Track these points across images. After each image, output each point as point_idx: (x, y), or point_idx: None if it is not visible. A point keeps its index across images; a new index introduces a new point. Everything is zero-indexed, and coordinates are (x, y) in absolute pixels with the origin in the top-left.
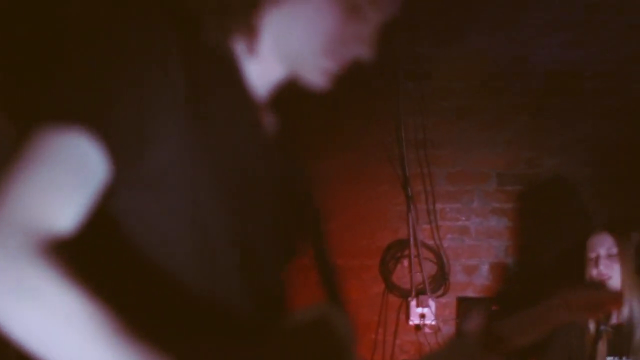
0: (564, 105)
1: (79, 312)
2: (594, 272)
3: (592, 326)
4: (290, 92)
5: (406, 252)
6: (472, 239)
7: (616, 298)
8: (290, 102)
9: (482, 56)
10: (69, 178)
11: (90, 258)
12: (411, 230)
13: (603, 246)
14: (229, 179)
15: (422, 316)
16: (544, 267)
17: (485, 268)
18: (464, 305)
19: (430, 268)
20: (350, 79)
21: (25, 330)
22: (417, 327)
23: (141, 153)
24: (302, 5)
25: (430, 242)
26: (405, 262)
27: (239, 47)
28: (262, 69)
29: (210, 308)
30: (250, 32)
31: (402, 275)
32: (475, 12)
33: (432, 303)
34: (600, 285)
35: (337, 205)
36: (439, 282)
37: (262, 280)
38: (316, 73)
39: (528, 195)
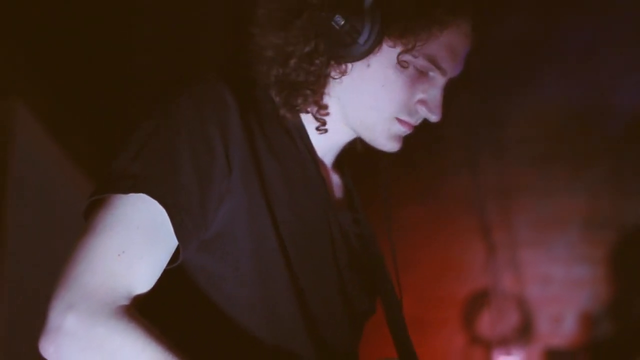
0: None
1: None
2: None
3: None
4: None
5: (488, 303)
6: (556, 287)
7: None
8: (364, 155)
9: (557, 100)
10: (142, 242)
11: (164, 316)
12: (493, 280)
13: None
14: (292, 241)
15: None
16: (634, 317)
17: (571, 318)
18: (552, 357)
19: (513, 319)
20: (424, 129)
21: None
22: None
23: (204, 213)
24: (368, 76)
25: (513, 292)
26: (488, 313)
27: (305, 117)
28: (328, 132)
29: (273, 356)
30: (317, 106)
31: (484, 326)
32: (547, 55)
33: (517, 355)
34: None
35: (416, 256)
36: (524, 333)
37: (329, 341)
38: (387, 137)
39: (614, 241)
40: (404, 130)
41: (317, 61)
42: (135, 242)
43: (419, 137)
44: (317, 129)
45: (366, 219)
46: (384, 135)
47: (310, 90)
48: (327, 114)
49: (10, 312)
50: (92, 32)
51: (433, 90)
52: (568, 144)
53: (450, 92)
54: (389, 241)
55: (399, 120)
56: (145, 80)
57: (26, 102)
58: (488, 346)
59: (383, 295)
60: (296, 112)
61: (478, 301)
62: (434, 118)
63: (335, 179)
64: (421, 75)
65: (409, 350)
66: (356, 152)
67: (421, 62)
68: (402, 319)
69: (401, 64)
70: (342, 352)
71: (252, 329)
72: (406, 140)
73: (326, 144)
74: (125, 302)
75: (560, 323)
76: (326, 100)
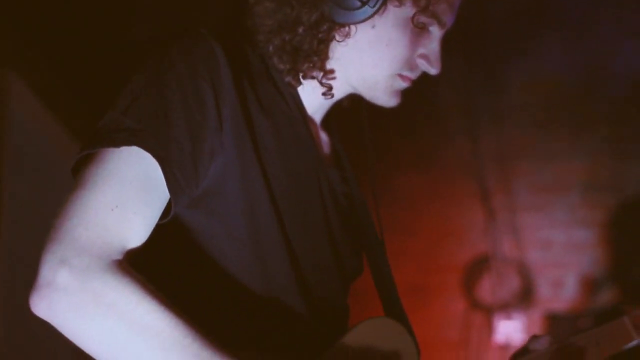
0: None
1: (156, 322)
2: None
3: None
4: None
5: (488, 268)
6: (556, 252)
7: None
8: (363, 119)
9: (557, 66)
10: (135, 195)
11: (157, 273)
12: (493, 245)
13: None
14: (284, 197)
15: (507, 333)
16: (634, 280)
17: (572, 282)
18: (553, 321)
19: (514, 283)
20: (424, 95)
21: (106, 346)
22: (503, 345)
23: (196, 167)
24: (372, 36)
25: (513, 257)
26: (488, 278)
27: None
28: (318, 90)
29: (269, 320)
30: (322, 71)
31: (485, 292)
32: (547, 20)
33: (517, 319)
34: None
35: (416, 223)
36: (524, 298)
37: (320, 296)
38: (389, 94)
39: (614, 205)
40: (404, 85)
41: (324, 27)
42: (128, 196)
43: (418, 105)
44: (324, 94)
45: (354, 178)
46: (386, 92)
47: (317, 56)
48: (334, 78)
49: (5, 281)
50: (88, 1)
51: (432, 44)
52: (568, 109)
53: (451, 59)
54: (373, 198)
55: (400, 76)
56: (144, 50)
57: (20, 73)
58: (488, 311)
59: (371, 255)
60: (300, 78)
61: (478, 267)
62: (433, 71)
63: (324, 137)
64: (422, 30)
65: (398, 309)
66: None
67: (424, 18)
68: (391, 278)
69: (416, 25)
70: (333, 308)
71: (244, 285)
72: (405, 107)
73: (316, 103)
74: (119, 256)
75: (561, 287)
76: (328, 63)
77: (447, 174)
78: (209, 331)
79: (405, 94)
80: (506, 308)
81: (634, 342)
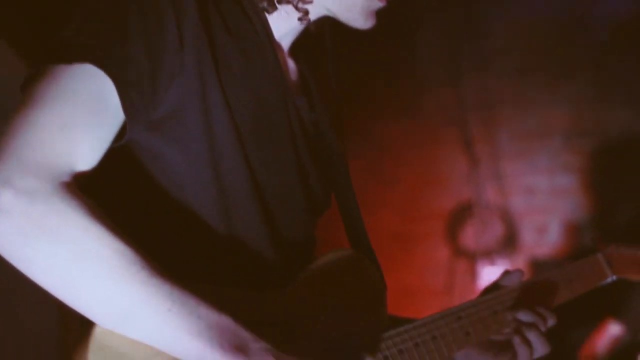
0: (629, 58)
1: (104, 248)
2: None
3: None
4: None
5: (472, 215)
6: (540, 198)
7: None
8: (342, 62)
9: (539, 12)
10: (87, 116)
11: (109, 199)
12: (476, 192)
13: None
14: (248, 123)
15: (491, 280)
16: (619, 225)
17: (555, 228)
18: (537, 267)
19: (497, 230)
20: (407, 42)
21: (51, 273)
22: None
23: (154, 89)
24: None
25: (497, 203)
26: (471, 225)
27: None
28: (288, 15)
29: (230, 253)
30: None
31: (468, 238)
32: None
33: (501, 265)
34: None
35: (399, 172)
36: (508, 244)
37: (285, 228)
38: (365, 15)
39: (597, 150)
40: (380, 5)
41: None
42: (79, 117)
43: (400, 52)
44: (300, 19)
45: (323, 108)
46: (363, 13)
47: None
48: (311, 2)
49: None
50: None
51: None
52: (550, 55)
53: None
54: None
55: None
56: None
57: None
58: (472, 258)
59: (338, 186)
60: (276, 2)
61: (462, 214)
62: None
63: (292, 64)
64: None
65: (364, 244)
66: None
67: None
68: (358, 212)
69: None
70: (298, 240)
71: (203, 214)
72: (387, 55)
73: (284, 27)
74: (67, 179)
75: (544, 233)
76: None
77: (429, 122)
78: (165, 263)
79: (387, 42)
80: (490, 254)
81: (608, 280)
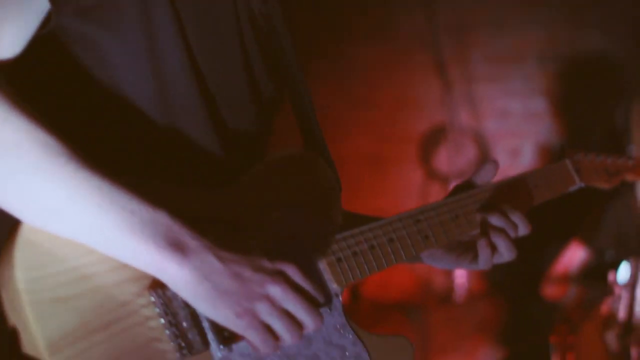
0: None
1: (25, 140)
2: None
3: None
4: None
5: (445, 138)
6: (513, 121)
7: (635, 166)
8: None
9: None
10: (8, 1)
11: (40, 88)
12: (450, 115)
13: None
14: (188, 10)
15: None
16: (592, 148)
17: (528, 151)
18: None
19: (470, 153)
20: None
21: None
22: None
23: None
24: None
25: (470, 126)
26: (445, 148)
27: None
28: None
29: (173, 148)
30: None
31: (441, 161)
32: None
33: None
34: (621, 152)
35: (373, 95)
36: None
37: (230, 121)
38: None
39: (570, 73)
40: None
41: None
42: None
43: None
44: None
45: (276, 2)
46: None
47: None
48: None
49: None
50: None
51: None
52: None
53: None
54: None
55: None
56: None
57: None
58: (445, 181)
59: (291, 83)
60: None
61: (435, 137)
62: None
63: None
64: None
65: (319, 143)
66: None
67: None
68: (312, 110)
69: None
70: (247, 138)
71: (142, 107)
72: None
73: None
74: None
75: (517, 156)
76: None
77: (403, 46)
78: (103, 160)
79: None
80: (462, 177)
81: (576, 186)
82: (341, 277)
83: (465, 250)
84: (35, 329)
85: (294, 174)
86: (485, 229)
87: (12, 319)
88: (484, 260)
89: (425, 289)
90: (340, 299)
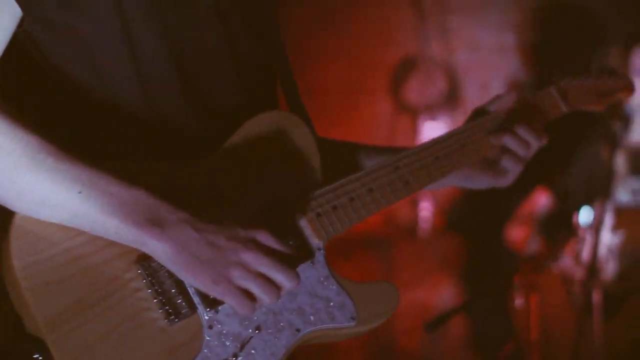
0: None
1: (6, 141)
2: None
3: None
4: None
5: (416, 69)
6: (484, 54)
7: (626, 85)
8: None
9: None
10: None
11: (22, 80)
12: (422, 46)
13: None
14: None
15: (432, 135)
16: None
17: (498, 85)
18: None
19: (441, 85)
20: None
21: None
22: None
23: None
24: None
25: (441, 58)
26: (415, 80)
27: None
28: None
29: (149, 124)
30: None
31: (412, 93)
32: None
33: (442, 121)
34: (610, 71)
35: (344, 24)
36: (450, 99)
37: (209, 95)
38: None
39: (542, 8)
40: None
41: None
42: None
43: None
44: None
45: None
46: None
47: None
48: None
49: None
50: None
51: None
52: None
53: None
54: None
55: None
56: None
57: None
58: (414, 112)
59: (275, 47)
60: None
61: (406, 68)
62: None
63: None
64: None
65: (298, 104)
66: None
67: None
68: (290, 71)
69: None
70: (227, 109)
71: (117, 84)
72: None
73: None
74: None
75: (487, 90)
76: None
77: None
78: (81, 138)
79: None
80: (432, 109)
81: (562, 113)
82: (322, 232)
83: (498, 168)
84: (34, 310)
85: (270, 136)
86: (504, 146)
87: (16, 304)
88: (515, 171)
89: (390, 222)
90: (323, 252)
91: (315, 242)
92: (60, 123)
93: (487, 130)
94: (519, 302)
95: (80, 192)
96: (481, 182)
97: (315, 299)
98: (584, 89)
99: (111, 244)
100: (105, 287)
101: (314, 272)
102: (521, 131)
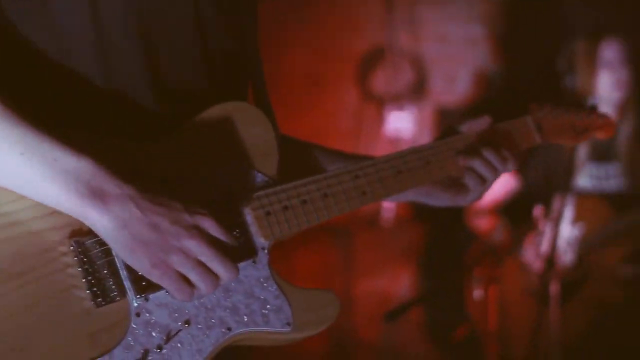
0: None
1: None
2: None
3: None
4: None
5: (383, 59)
6: (452, 46)
7: (607, 123)
8: None
9: None
10: None
11: None
12: (389, 37)
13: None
14: None
15: (398, 125)
16: (524, 75)
17: (465, 77)
18: (443, 115)
19: (408, 76)
20: None
21: None
22: (392, 136)
23: None
24: None
25: (409, 49)
26: (382, 70)
27: None
28: None
29: (108, 99)
30: None
31: (378, 83)
32: None
33: (408, 111)
34: (591, 107)
35: (312, 13)
36: (417, 90)
37: (172, 76)
38: None
39: (511, 1)
40: None
41: None
42: None
43: None
44: None
45: None
46: None
47: None
48: None
49: None
50: None
51: None
52: None
53: None
54: None
55: None
56: None
57: None
58: (381, 102)
59: (248, 39)
60: None
61: (374, 58)
62: None
63: None
64: None
65: (264, 98)
66: None
67: None
68: (261, 63)
69: None
70: (190, 93)
71: (78, 55)
72: None
73: None
74: None
75: (454, 81)
76: None
77: None
78: (36, 107)
79: None
80: (398, 100)
81: (536, 144)
82: (268, 231)
83: (459, 187)
84: None
85: (229, 127)
86: (470, 168)
87: None
88: (478, 193)
89: (352, 212)
90: (267, 252)
91: (260, 240)
92: (10, 83)
93: (456, 149)
94: (477, 293)
95: (22, 154)
96: (441, 200)
97: (252, 299)
98: (561, 123)
99: (54, 212)
100: (34, 258)
101: (254, 271)
102: (490, 155)
